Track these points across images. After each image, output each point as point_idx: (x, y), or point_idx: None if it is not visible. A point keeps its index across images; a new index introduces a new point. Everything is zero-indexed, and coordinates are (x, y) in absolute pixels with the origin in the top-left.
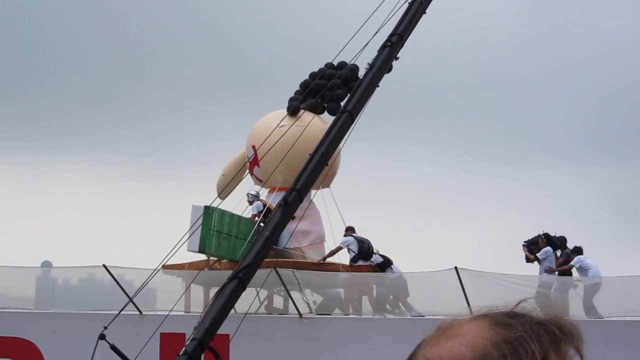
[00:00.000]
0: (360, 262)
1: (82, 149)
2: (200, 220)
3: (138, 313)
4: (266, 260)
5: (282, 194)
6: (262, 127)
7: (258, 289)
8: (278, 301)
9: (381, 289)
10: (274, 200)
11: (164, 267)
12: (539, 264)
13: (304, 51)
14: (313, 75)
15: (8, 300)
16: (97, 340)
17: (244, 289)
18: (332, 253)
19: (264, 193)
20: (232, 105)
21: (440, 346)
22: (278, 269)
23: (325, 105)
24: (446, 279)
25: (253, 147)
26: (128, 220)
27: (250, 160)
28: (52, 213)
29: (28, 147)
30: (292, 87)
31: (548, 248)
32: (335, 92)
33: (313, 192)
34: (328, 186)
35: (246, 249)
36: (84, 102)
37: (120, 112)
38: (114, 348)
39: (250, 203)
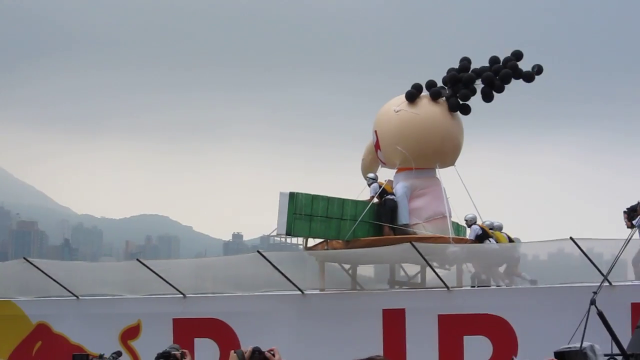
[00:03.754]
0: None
1: None
2: (286, 206)
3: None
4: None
5: (401, 175)
6: (383, 112)
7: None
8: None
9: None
10: (395, 179)
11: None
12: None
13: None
14: (450, 70)
15: None
16: (589, 306)
17: None
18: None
19: (390, 174)
20: None
21: None
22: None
23: (448, 97)
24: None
25: (375, 132)
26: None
27: (374, 144)
28: None
29: None
30: None
31: None
32: (462, 91)
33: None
34: (453, 164)
35: (357, 228)
36: None
37: None
38: (600, 315)
39: (369, 185)
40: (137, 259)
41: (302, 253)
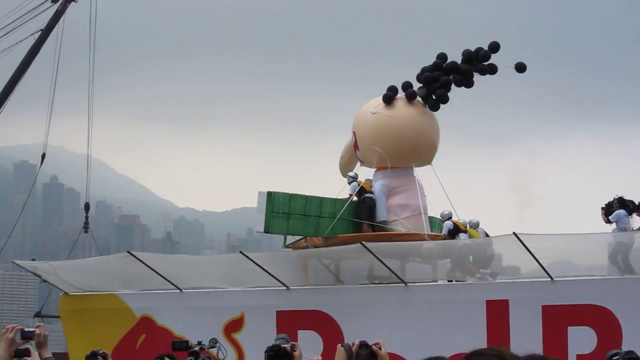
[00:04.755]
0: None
1: None
2: (264, 205)
3: None
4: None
5: (379, 173)
6: (361, 114)
7: None
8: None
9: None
10: (374, 178)
11: None
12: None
13: None
14: (424, 69)
15: (581, 269)
16: None
17: None
18: None
19: (370, 173)
20: None
21: None
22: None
23: (424, 97)
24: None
25: (354, 132)
26: None
27: (353, 144)
28: None
29: None
30: None
31: (620, 211)
32: (439, 91)
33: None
34: (429, 163)
35: (336, 225)
36: None
37: None
38: None
39: (349, 184)
40: (241, 252)
41: (401, 244)
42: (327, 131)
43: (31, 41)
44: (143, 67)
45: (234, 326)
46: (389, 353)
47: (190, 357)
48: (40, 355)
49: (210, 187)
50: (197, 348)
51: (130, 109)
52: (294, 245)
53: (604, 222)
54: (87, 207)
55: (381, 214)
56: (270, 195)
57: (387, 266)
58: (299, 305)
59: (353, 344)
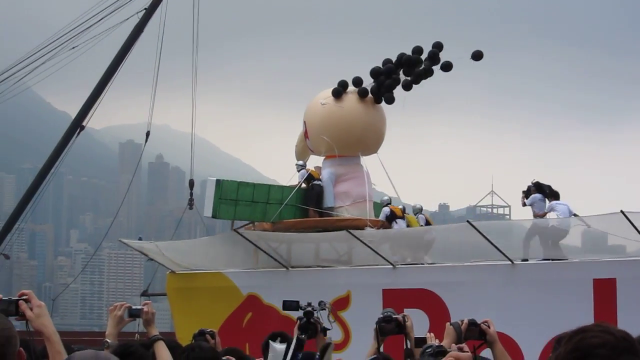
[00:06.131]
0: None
1: None
2: (213, 191)
3: None
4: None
5: (327, 162)
6: (311, 104)
7: None
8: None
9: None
10: (323, 166)
11: None
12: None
13: None
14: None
15: None
16: None
17: None
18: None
19: (319, 161)
20: None
21: None
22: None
23: (374, 91)
24: None
25: (304, 122)
26: None
27: (304, 133)
28: None
29: None
30: None
31: (535, 195)
32: (386, 82)
33: (361, 157)
34: (376, 152)
35: (284, 211)
36: None
37: None
38: None
39: (298, 172)
40: (347, 230)
41: (510, 222)
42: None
43: (135, 20)
44: (251, 42)
45: (340, 304)
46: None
47: (303, 318)
48: (148, 333)
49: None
50: (308, 309)
51: (237, 87)
52: (241, 229)
53: (522, 205)
54: (191, 183)
55: (328, 200)
56: (219, 183)
57: (494, 245)
58: (405, 284)
59: (462, 322)
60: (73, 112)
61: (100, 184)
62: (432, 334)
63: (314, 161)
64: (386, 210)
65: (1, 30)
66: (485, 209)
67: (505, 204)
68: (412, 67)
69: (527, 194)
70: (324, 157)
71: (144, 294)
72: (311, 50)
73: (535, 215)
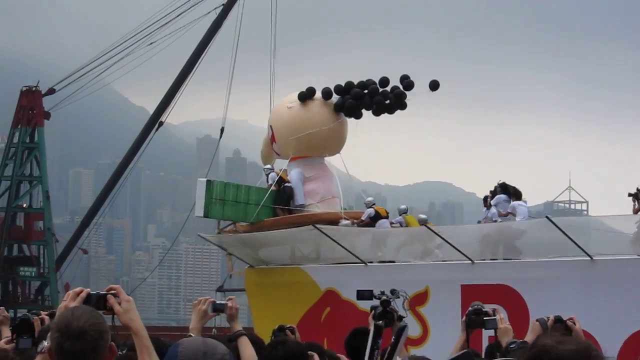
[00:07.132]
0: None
1: None
2: (204, 192)
3: None
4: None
5: (294, 163)
6: (277, 109)
7: None
8: None
9: None
10: (289, 167)
11: None
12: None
13: None
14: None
15: None
16: None
17: None
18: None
19: (284, 164)
20: None
21: None
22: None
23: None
24: None
25: (271, 126)
26: None
27: (270, 137)
28: None
29: None
30: None
31: (499, 195)
32: (349, 102)
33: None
34: (338, 152)
35: (261, 212)
36: None
37: None
38: None
39: (267, 175)
40: (425, 225)
41: (588, 218)
42: (512, 112)
43: (213, 16)
44: (326, 38)
45: (418, 300)
46: None
47: (378, 307)
48: (231, 328)
49: (393, 161)
50: (384, 297)
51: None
52: (223, 231)
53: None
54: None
55: (299, 198)
56: (209, 183)
57: (573, 240)
58: (484, 279)
59: (548, 319)
60: (150, 107)
61: (178, 179)
62: (500, 315)
63: (279, 165)
64: (370, 211)
65: (80, 28)
66: (562, 204)
67: (583, 200)
68: (373, 96)
69: (493, 194)
70: (289, 159)
71: (220, 289)
72: (388, 47)
73: (499, 215)
